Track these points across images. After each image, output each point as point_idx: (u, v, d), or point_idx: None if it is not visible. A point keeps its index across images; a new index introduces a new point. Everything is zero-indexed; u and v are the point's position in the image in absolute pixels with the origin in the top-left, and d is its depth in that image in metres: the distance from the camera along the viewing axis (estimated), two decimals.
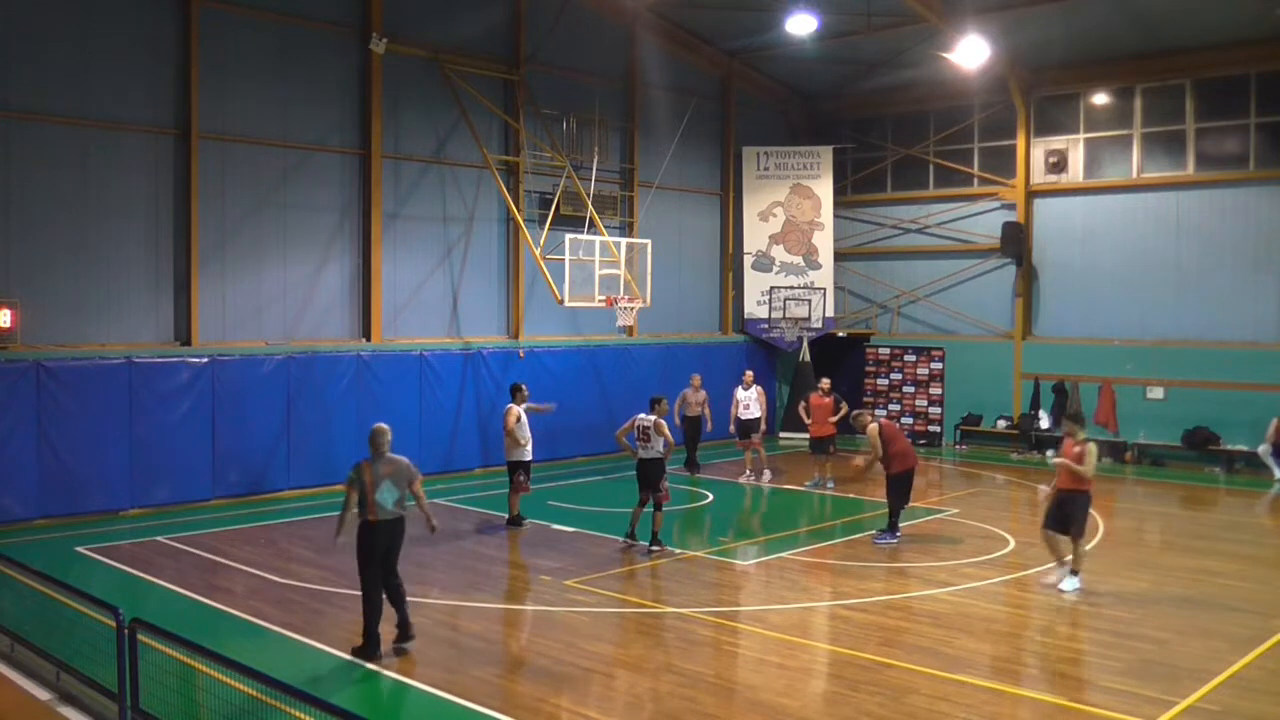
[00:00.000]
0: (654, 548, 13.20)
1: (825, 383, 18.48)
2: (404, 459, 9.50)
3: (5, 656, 8.84)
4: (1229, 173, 20.81)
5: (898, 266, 25.51)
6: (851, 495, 17.41)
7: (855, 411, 15.40)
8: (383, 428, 9.55)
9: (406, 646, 9.38)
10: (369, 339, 18.45)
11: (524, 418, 14.79)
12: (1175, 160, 21.49)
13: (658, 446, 13.39)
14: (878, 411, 25.03)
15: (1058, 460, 11.96)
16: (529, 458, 14.86)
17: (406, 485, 9.46)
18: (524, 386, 15.27)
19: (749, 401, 18.70)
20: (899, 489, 14.14)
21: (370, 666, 9.06)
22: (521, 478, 14.78)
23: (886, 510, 14.30)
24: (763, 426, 18.93)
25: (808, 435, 18.55)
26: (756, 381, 19.32)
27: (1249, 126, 20.60)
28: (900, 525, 14.16)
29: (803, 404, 18.71)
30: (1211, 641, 9.88)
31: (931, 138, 24.75)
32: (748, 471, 18.88)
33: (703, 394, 19.07)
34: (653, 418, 13.48)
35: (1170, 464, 20.93)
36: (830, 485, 18.05)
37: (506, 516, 14.94)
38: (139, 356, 15.55)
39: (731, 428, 19.09)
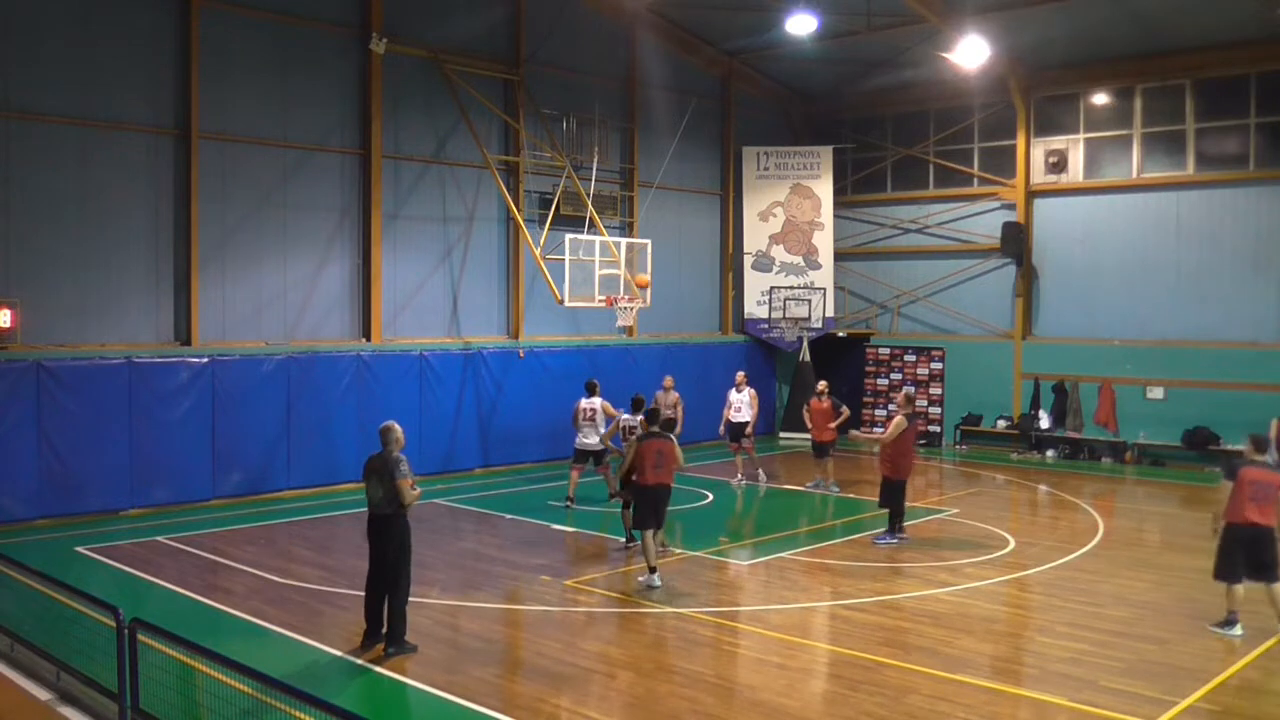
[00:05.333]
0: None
1: (822, 385, 18.12)
2: (396, 456, 9.44)
3: (5, 656, 8.83)
4: (1229, 173, 20.80)
5: (898, 266, 25.51)
6: (850, 496, 17.40)
7: (908, 389, 15.24)
8: (386, 425, 9.57)
9: (392, 652, 9.28)
10: (369, 339, 18.45)
11: None
12: (1175, 160, 21.49)
13: None
14: (880, 411, 25.05)
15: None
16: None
17: (391, 482, 9.39)
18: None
19: (740, 404, 18.11)
20: (896, 492, 14.19)
21: (372, 667, 9.06)
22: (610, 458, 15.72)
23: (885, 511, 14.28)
24: (750, 430, 18.28)
25: (809, 438, 18.42)
26: (753, 383, 18.95)
27: (1249, 126, 20.59)
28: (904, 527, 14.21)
29: (806, 409, 18.28)
30: (1211, 641, 9.88)
31: (931, 138, 24.75)
32: (739, 475, 18.47)
33: (674, 395, 17.83)
34: (638, 418, 13.50)
35: (1170, 464, 20.93)
36: (835, 489, 17.78)
37: (565, 497, 16.15)
38: (139, 356, 15.54)
39: (721, 429, 18.48)
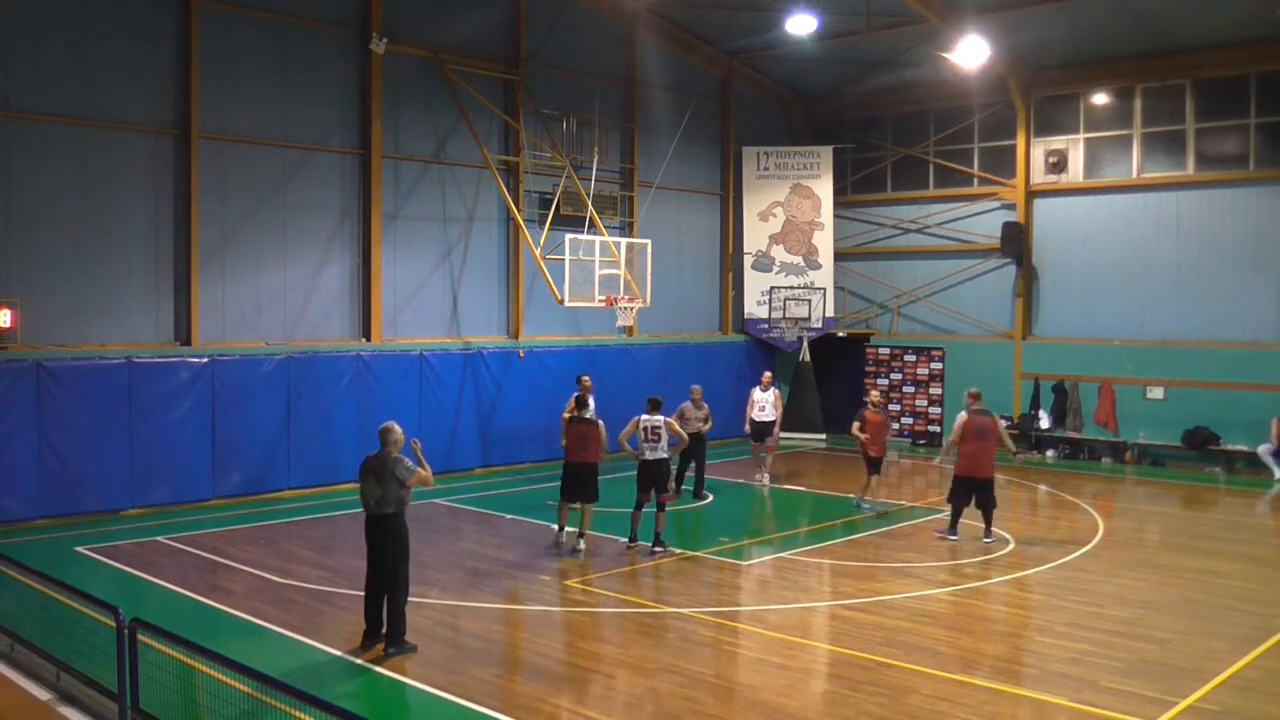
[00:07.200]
0: (657, 549, 13.19)
1: (876, 396, 16.73)
2: (395, 457, 9.41)
3: (5, 656, 8.84)
4: (1229, 173, 20.79)
5: (898, 266, 25.50)
6: (852, 496, 17.37)
7: (973, 390, 14.77)
8: (386, 426, 9.56)
9: (392, 652, 9.29)
10: (369, 339, 18.45)
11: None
12: (1175, 160, 21.48)
13: (664, 446, 13.40)
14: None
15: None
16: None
17: (395, 485, 9.36)
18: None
19: (765, 404, 17.97)
20: (956, 490, 14.13)
21: (372, 667, 9.06)
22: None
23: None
24: (777, 430, 18.31)
25: (859, 452, 17.23)
26: (753, 383, 18.86)
27: (1249, 126, 20.59)
28: (957, 526, 14.10)
29: (857, 424, 16.05)
30: (1211, 641, 9.88)
31: (931, 138, 24.75)
32: (762, 473, 18.50)
33: (705, 408, 16.63)
34: (660, 418, 13.48)
35: (1170, 464, 20.92)
36: (872, 508, 16.27)
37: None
38: (139, 356, 15.54)
39: (746, 428, 18.40)
